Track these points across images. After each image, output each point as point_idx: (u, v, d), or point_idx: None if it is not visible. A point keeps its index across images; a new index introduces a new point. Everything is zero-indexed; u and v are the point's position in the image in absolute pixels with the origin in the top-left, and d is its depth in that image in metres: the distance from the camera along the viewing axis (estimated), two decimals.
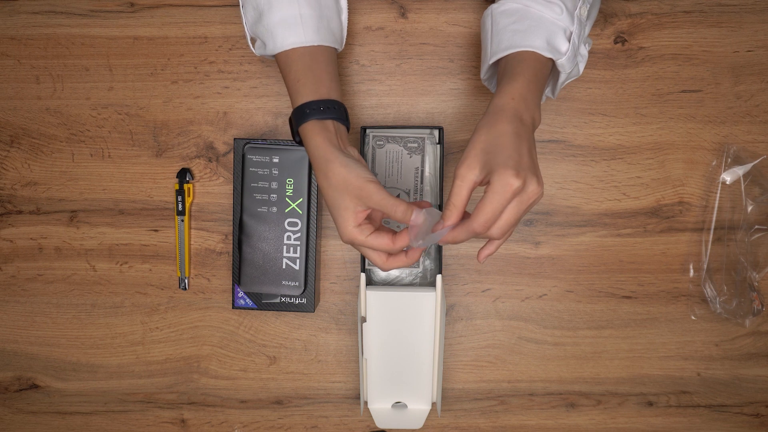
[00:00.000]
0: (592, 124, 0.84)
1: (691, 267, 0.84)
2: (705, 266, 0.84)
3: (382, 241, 0.63)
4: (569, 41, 0.67)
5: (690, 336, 0.85)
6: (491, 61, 0.68)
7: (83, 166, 0.85)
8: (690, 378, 0.86)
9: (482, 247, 0.65)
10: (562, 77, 0.71)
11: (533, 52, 0.65)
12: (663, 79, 0.83)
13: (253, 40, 0.73)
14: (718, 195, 0.83)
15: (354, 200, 0.62)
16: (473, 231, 0.59)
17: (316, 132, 0.65)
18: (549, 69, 0.68)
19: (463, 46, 0.83)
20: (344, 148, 0.65)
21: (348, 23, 0.83)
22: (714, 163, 0.83)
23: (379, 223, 0.66)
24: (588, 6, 0.69)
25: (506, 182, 0.57)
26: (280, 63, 0.69)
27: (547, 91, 0.75)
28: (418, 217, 0.62)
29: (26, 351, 0.87)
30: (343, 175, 0.62)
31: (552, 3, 0.66)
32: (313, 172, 0.66)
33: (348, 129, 0.69)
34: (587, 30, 0.71)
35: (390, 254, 0.65)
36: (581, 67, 0.71)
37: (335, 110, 0.66)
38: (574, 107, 0.83)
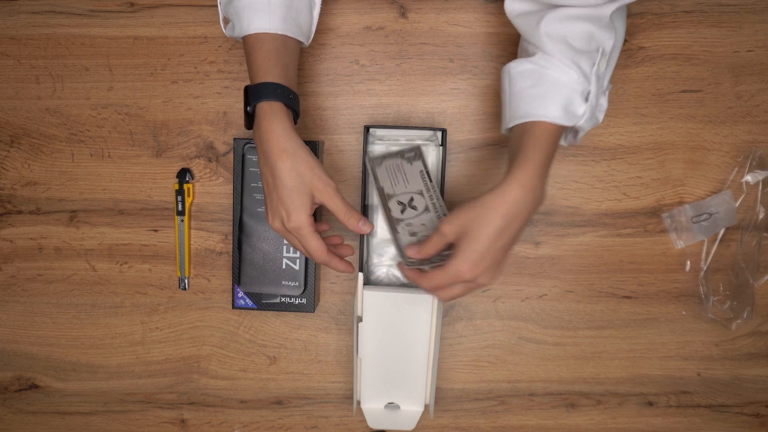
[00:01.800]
0: None
1: (688, 262, 0.84)
2: (704, 265, 0.84)
3: (320, 245, 0.67)
4: (586, 101, 0.67)
5: (690, 336, 0.85)
6: (509, 126, 0.69)
7: (83, 166, 0.85)
8: (690, 378, 0.86)
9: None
10: (581, 134, 0.71)
11: (548, 122, 0.66)
12: (663, 79, 0.83)
13: (226, 21, 0.74)
14: (742, 196, 0.83)
15: (314, 191, 0.66)
16: (421, 286, 0.67)
17: (284, 115, 0.66)
18: (563, 133, 0.69)
19: (463, 46, 0.83)
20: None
21: (348, 23, 0.83)
22: (739, 159, 0.83)
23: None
24: (607, 57, 0.68)
25: (459, 269, 0.63)
26: (246, 46, 0.70)
27: (567, 139, 0.74)
28: (365, 226, 0.68)
29: (26, 351, 0.87)
30: (311, 165, 0.66)
31: (568, 68, 0.66)
32: (266, 148, 0.67)
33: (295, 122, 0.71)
34: (608, 78, 0.70)
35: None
36: (600, 117, 0.71)
37: (296, 103, 0.69)
38: None
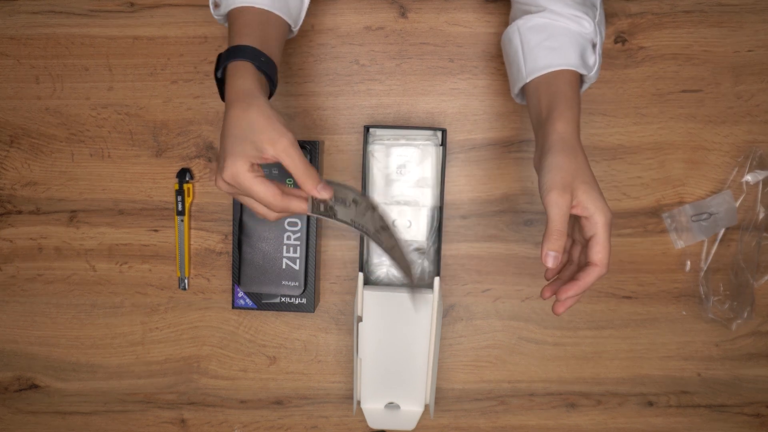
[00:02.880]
0: (592, 124, 0.83)
1: (688, 262, 0.84)
2: (704, 265, 0.84)
3: (270, 189, 0.58)
4: (596, 53, 0.68)
5: (690, 336, 0.85)
6: (529, 80, 0.68)
7: (83, 166, 0.85)
8: (690, 378, 0.86)
9: (563, 299, 0.62)
10: (585, 86, 0.72)
11: (570, 70, 0.66)
12: (663, 79, 0.83)
13: (216, 5, 0.70)
14: (742, 196, 0.83)
15: (266, 140, 0.58)
16: (600, 276, 0.61)
17: (250, 73, 0.61)
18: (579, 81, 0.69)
19: (463, 46, 0.83)
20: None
21: (348, 23, 0.83)
22: (740, 159, 0.83)
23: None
24: (601, 11, 0.70)
25: (608, 215, 0.60)
26: (230, 20, 0.66)
27: None
28: (325, 190, 0.59)
29: (26, 351, 0.87)
30: (267, 113, 0.58)
31: (580, 17, 0.67)
32: (225, 104, 0.61)
33: (270, 97, 0.65)
34: (603, 36, 0.71)
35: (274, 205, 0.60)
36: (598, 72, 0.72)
37: (272, 69, 0.63)
38: None
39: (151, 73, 0.84)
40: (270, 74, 0.63)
